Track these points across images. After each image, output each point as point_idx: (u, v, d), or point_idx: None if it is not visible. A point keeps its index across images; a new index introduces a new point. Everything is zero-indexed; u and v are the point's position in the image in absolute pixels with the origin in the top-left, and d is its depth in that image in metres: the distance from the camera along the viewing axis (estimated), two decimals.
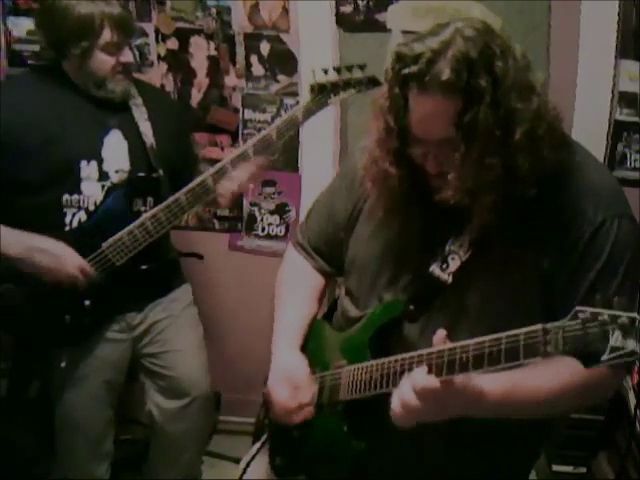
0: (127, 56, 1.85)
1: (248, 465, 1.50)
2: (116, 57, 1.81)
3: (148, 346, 2.08)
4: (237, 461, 1.74)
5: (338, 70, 1.79)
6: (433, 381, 1.06)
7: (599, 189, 1.16)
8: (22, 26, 2.46)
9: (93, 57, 1.78)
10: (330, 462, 1.35)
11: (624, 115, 2.32)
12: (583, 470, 2.44)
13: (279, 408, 1.35)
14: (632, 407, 2.14)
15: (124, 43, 1.83)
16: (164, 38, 2.43)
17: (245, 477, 1.50)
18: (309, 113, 1.80)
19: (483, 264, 1.19)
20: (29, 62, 2.47)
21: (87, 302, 1.87)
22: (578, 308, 0.91)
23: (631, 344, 0.85)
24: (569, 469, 2.46)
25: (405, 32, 2.30)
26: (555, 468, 2.47)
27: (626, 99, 2.30)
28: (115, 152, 1.89)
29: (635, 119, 2.32)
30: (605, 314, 0.88)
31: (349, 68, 1.79)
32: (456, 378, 1.06)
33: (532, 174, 1.09)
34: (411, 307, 1.25)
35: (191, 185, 1.82)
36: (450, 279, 1.21)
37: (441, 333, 1.08)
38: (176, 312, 2.11)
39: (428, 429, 1.12)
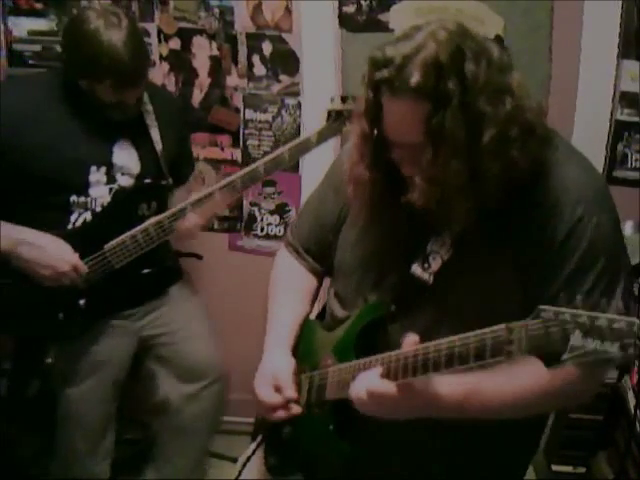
0: (132, 97, 1.81)
1: (244, 465, 1.50)
2: (118, 96, 1.77)
3: (156, 337, 2.09)
4: (236, 461, 1.74)
5: (355, 99, 1.79)
6: (385, 386, 1.10)
7: (579, 186, 1.15)
8: (23, 26, 2.46)
9: (98, 90, 1.76)
10: (321, 461, 1.37)
11: (625, 115, 2.32)
12: (582, 470, 2.45)
13: (261, 405, 1.36)
14: (632, 407, 2.15)
15: (129, 89, 1.78)
16: (166, 38, 2.43)
17: (242, 477, 1.51)
18: (323, 138, 1.81)
19: (464, 263, 1.19)
20: (29, 62, 2.47)
21: (82, 301, 1.87)
22: (541, 307, 0.91)
23: (590, 343, 0.84)
24: (568, 469, 2.47)
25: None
26: (555, 468, 2.47)
27: (627, 99, 2.30)
28: (125, 158, 1.89)
29: (636, 119, 2.33)
30: (566, 313, 0.87)
31: None
32: (414, 381, 1.08)
33: (502, 177, 1.09)
34: (392, 307, 1.26)
35: (198, 196, 1.83)
36: (431, 279, 1.22)
37: (412, 338, 1.10)
38: (178, 302, 2.12)
39: (417, 429, 1.15)
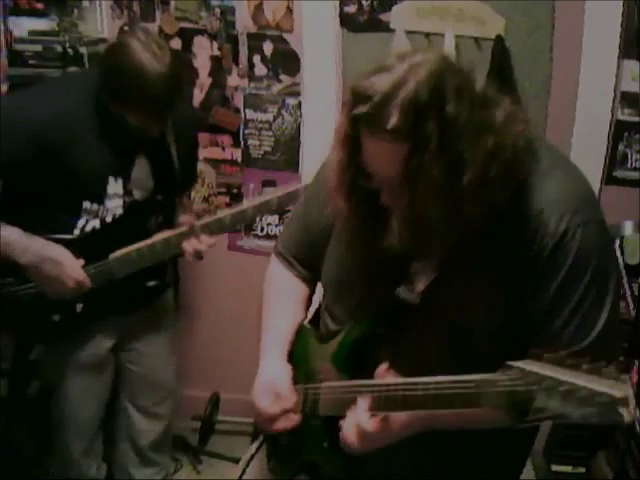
0: (157, 128, 1.80)
1: (247, 465, 1.51)
2: (146, 123, 1.77)
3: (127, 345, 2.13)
4: (236, 461, 1.75)
5: None
6: (371, 425, 1.12)
7: (562, 197, 1.12)
8: (23, 26, 2.46)
9: (127, 115, 1.75)
10: (321, 468, 1.37)
11: (626, 115, 2.32)
12: (582, 470, 2.45)
13: (261, 415, 1.35)
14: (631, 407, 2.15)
15: (157, 120, 1.78)
16: (167, 38, 2.43)
17: (244, 477, 1.51)
18: None
19: (450, 281, 1.17)
20: (30, 62, 2.47)
21: (79, 306, 1.88)
22: (508, 363, 0.90)
23: (553, 405, 0.82)
24: (568, 469, 2.47)
25: (409, 32, 2.31)
26: (554, 468, 2.47)
27: (628, 99, 2.30)
28: (143, 172, 1.90)
29: (636, 119, 2.33)
30: (533, 373, 0.86)
31: None
32: (399, 415, 1.12)
33: (481, 215, 1.07)
34: (380, 329, 1.26)
35: (209, 220, 1.85)
36: (418, 299, 1.21)
37: (382, 368, 1.13)
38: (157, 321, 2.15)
39: (413, 440, 1.16)
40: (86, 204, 1.84)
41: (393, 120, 1.01)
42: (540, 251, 1.11)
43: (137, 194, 1.90)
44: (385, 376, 1.15)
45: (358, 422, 1.14)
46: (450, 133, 1.02)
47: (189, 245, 1.86)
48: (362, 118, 1.05)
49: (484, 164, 1.04)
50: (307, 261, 1.46)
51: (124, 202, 1.87)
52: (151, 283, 1.94)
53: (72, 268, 1.82)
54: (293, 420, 1.34)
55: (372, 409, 1.14)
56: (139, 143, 1.86)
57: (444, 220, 1.06)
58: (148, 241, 1.85)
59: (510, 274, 1.13)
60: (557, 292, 1.11)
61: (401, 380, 1.10)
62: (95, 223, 1.86)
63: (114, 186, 1.85)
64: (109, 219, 1.86)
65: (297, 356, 1.42)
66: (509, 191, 1.08)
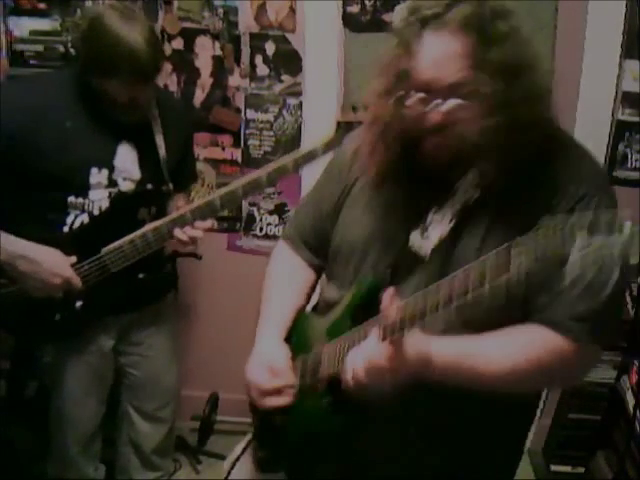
0: (143, 95, 1.81)
1: (233, 466, 1.49)
2: (131, 93, 1.78)
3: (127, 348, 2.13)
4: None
5: (367, 109, 1.78)
6: (381, 349, 1.07)
7: (586, 169, 1.17)
8: (24, 26, 2.46)
9: (110, 87, 1.76)
10: (313, 447, 1.33)
11: (626, 115, 2.34)
12: (581, 470, 2.46)
13: (255, 390, 1.34)
14: (630, 407, 2.15)
15: (142, 85, 1.79)
16: (170, 38, 2.44)
17: (230, 477, 1.50)
18: (329, 149, 1.78)
19: (463, 240, 1.18)
20: (31, 62, 2.47)
21: (79, 303, 1.87)
22: (542, 222, 0.89)
23: (598, 239, 0.82)
24: (567, 469, 2.48)
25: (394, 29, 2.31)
26: (553, 468, 2.48)
27: (629, 99, 2.32)
28: (127, 162, 1.89)
29: (637, 119, 2.34)
30: (570, 218, 0.86)
31: None
32: (407, 338, 1.06)
33: (532, 135, 1.10)
34: (388, 275, 1.24)
35: (198, 203, 1.83)
36: (428, 254, 1.20)
37: (389, 293, 1.08)
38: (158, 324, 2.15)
39: (410, 405, 1.13)
40: (71, 198, 1.84)
41: (466, 12, 1.06)
42: (557, 211, 1.11)
43: (123, 184, 1.88)
44: (392, 303, 1.09)
45: (368, 352, 1.10)
46: (518, 40, 1.08)
47: (183, 233, 1.83)
48: (431, 17, 1.09)
49: (539, 80, 1.10)
50: (316, 244, 1.46)
51: (109, 193, 1.86)
52: (141, 275, 1.92)
53: (55, 266, 1.80)
54: (288, 397, 1.31)
55: (384, 338, 1.09)
56: (121, 130, 1.85)
57: (510, 119, 1.07)
58: (139, 232, 1.83)
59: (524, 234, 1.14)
60: None
61: (412, 297, 1.05)
62: (83, 217, 1.85)
63: (97, 176, 1.84)
64: (96, 212, 1.85)
65: (296, 342, 1.40)
66: (536, 143, 1.11)
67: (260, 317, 1.44)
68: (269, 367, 1.33)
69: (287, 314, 1.42)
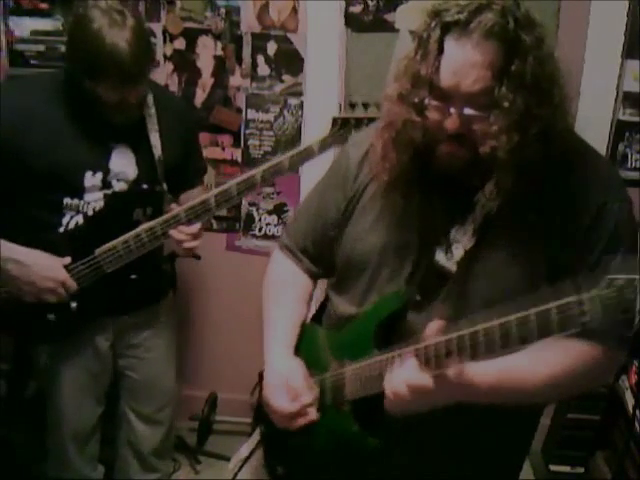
0: (133, 97, 1.78)
1: (241, 468, 1.49)
2: (120, 95, 1.75)
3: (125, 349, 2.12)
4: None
5: (365, 106, 1.76)
6: (424, 378, 1.07)
7: (607, 176, 1.19)
8: (24, 26, 2.46)
9: (99, 89, 1.74)
10: (341, 465, 1.32)
11: (627, 115, 2.34)
12: (581, 470, 2.46)
13: (280, 415, 1.32)
14: (630, 407, 2.15)
15: (129, 88, 1.76)
16: (172, 38, 2.44)
17: (237, 478, 1.49)
18: (325, 146, 1.76)
19: (487, 252, 1.18)
20: (31, 62, 2.47)
21: (74, 304, 1.87)
22: (611, 276, 0.89)
23: None
24: (567, 469, 2.48)
25: (413, 32, 2.31)
26: (553, 468, 2.48)
27: (630, 99, 2.32)
28: (123, 164, 1.87)
29: (637, 119, 2.34)
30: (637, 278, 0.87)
31: (378, 106, 1.77)
32: (449, 372, 1.05)
33: (552, 146, 1.10)
34: (417, 297, 1.22)
35: (192, 203, 1.80)
36: (454, 268, 1.19)
37: (437, 324, 1.08)
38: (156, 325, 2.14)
39: (426, 418, 1.12)
40: (67, 200, 1.83)
41: (492, 21, 1.05)
42: (582, 221, 1.14)
43: (117, 185, 1.87)
44: (436, 332, 1.08)
45: (411, 378, 1.09)
46: (544, 49, 1.07)
47: (178, 233, 1.81)
48: (456, 23, 1.07)
49: (564, 88, 1.10)
50: (315, 252, 1.44)
51: (104, 195, 1.85)
52: (134, 276, 1.90)
53: (48, 270, 1.80)
54: (312, 415, 1.31)
55: (424, 369, 1.09)
56: (116, 132, 1.84)
57: (542, 125, 1.08)
58: (133, 232, 1.82)
59: (549, 245, 1.15)
60: (597, 261, 1.12)
61: (461, 332, 1.04)
62: (78, 219, 1.85)
63: (91, 179, 1.84)
64: (90, 213, 1.85)
65: (307, 354, 1.38)
66: (556, 153, 1.11)
67: (265, 330, 1.42)
68: (287, 387, 1.31)
69: (293, 327, 1.41)
